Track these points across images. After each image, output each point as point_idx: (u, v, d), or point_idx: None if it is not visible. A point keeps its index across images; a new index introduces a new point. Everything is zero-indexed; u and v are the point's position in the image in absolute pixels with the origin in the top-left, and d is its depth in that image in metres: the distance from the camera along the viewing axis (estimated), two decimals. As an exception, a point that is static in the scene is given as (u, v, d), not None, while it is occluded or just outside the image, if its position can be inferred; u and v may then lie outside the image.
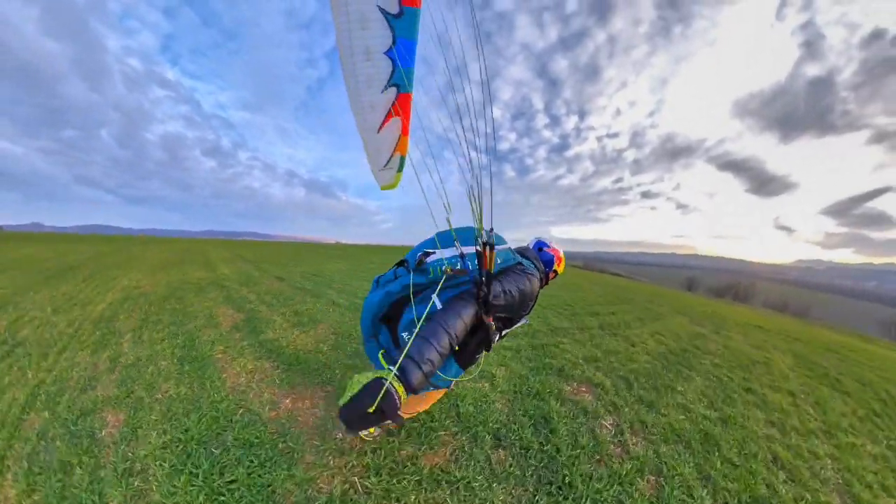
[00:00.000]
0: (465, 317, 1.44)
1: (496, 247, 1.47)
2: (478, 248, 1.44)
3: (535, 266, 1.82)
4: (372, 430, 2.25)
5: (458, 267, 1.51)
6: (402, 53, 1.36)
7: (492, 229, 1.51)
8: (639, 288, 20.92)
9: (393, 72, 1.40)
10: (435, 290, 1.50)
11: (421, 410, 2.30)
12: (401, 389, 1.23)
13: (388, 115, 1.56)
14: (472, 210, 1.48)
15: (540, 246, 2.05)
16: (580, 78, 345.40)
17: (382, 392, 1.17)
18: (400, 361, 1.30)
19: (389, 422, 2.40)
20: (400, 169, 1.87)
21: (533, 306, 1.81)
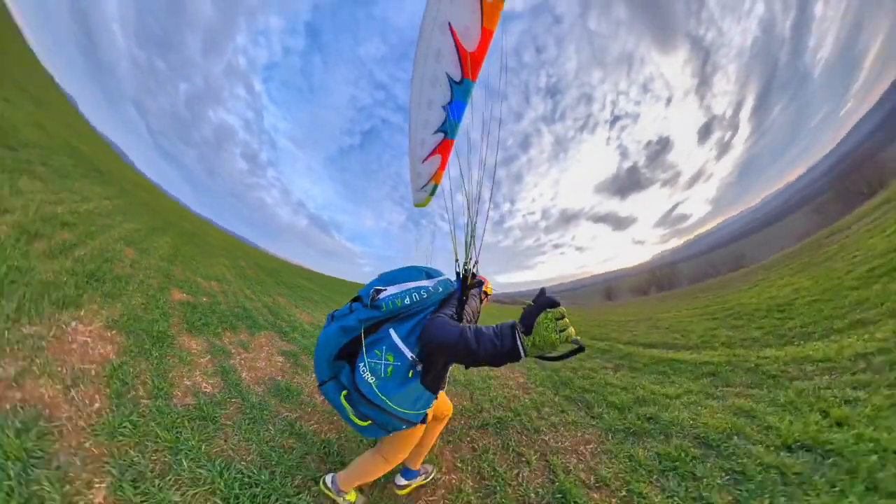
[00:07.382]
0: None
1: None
2: (458, 277, 1.96)
3: (476, 290, 2.08)
4: None
5: (424, 296, 1.65)
6: (455, 109, 1.70)
7: (475, 264, 1.96)
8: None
9: (445, 121, 1.75)
10: (390, 323, 1.59)
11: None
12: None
13: (433, 152, 1.91)
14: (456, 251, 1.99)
15: (473, 274, 2.23)
16: (512, 181, 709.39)
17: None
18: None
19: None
20: (431, 193, 2.21)
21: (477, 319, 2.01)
